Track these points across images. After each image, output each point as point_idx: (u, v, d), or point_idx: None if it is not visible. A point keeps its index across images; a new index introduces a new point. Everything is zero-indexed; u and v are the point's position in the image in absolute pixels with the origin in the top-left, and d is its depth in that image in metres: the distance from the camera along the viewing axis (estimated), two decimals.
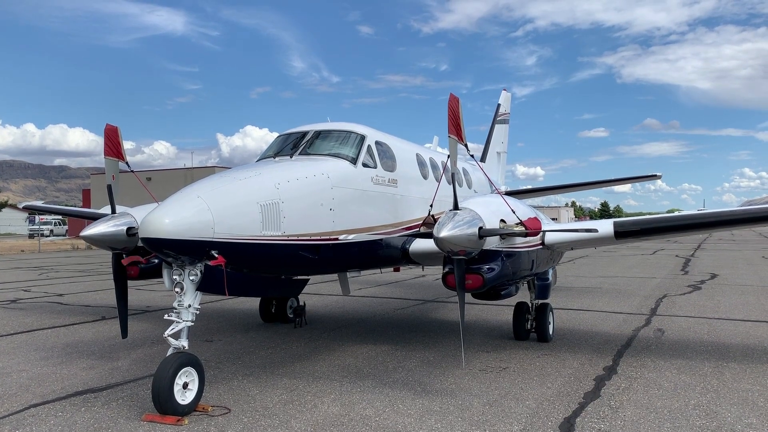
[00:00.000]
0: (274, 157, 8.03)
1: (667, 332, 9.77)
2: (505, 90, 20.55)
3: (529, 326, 9.17)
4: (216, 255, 5.92)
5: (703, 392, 6.46)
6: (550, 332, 9.15)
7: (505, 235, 6.87)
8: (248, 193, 6.40)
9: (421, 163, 9.98)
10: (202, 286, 6.16)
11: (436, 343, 9.10)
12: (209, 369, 7.38)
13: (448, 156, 7.12)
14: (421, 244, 8.56)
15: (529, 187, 19.07)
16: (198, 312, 6.24)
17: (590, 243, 8.76)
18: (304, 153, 7.93)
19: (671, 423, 5.52)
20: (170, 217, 5.73)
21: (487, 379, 7.02)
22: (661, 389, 6.58)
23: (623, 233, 8.15)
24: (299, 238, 6.79)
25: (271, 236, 6.45)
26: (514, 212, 7.00)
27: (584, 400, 6.24)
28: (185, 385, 5.93)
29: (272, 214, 6.47)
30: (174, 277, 6.16)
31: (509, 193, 14.70)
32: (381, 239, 8.24)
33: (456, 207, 6.74)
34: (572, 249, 9.46)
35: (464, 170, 13.01)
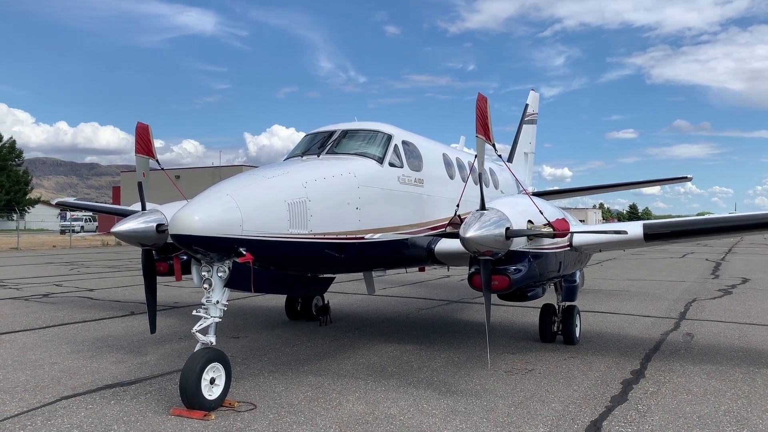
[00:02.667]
0: (302, 156, 8.08)
1: (697, 337, 9.60)
2: (533, 90, 20.39)
3: (555, 328, 9.09)
4: (244, 252, 5.99)
5: (734, 398, 6.34)
6: (577, 335, 9.06)
7: (532, 236, 6.82)
8: (276, 192, 6.44)
9: (447, 163, 9.96)
10: (230, 283, 6.22)
11: (461, 343, 9.07)
12: (236, 365, 7.45)
13: (475, 156, 7.10)
14: (446, 244, 8.54)
15: (556, 188, 18.87)
16: (226, 308, 6.31)
17: (619, 245, 8.66)
18: (331, 152, 7.97)
19: (700, 429, 5.43)
20: (200, 215, 5.80)
21: (513, 380, 6.97)
22: (690, 394, 6.47)
23: (653, 235, 8.02)
24: (325, 236, 6.82)
25: (298, 234, 6.49)
26: (541, 213, 6.95)
27: (611, 403, 6.17)
28: (212, 381, 5.99)
29: (299, 213, 6.52)
30: (203, 273, 6.23)
31: (536, 194, 14.60)
32: (406, 239, 8.23)
33: (483, 207, 6.72)
34: (600, 251, 9.36)
35: (491, 170, 12.95)
